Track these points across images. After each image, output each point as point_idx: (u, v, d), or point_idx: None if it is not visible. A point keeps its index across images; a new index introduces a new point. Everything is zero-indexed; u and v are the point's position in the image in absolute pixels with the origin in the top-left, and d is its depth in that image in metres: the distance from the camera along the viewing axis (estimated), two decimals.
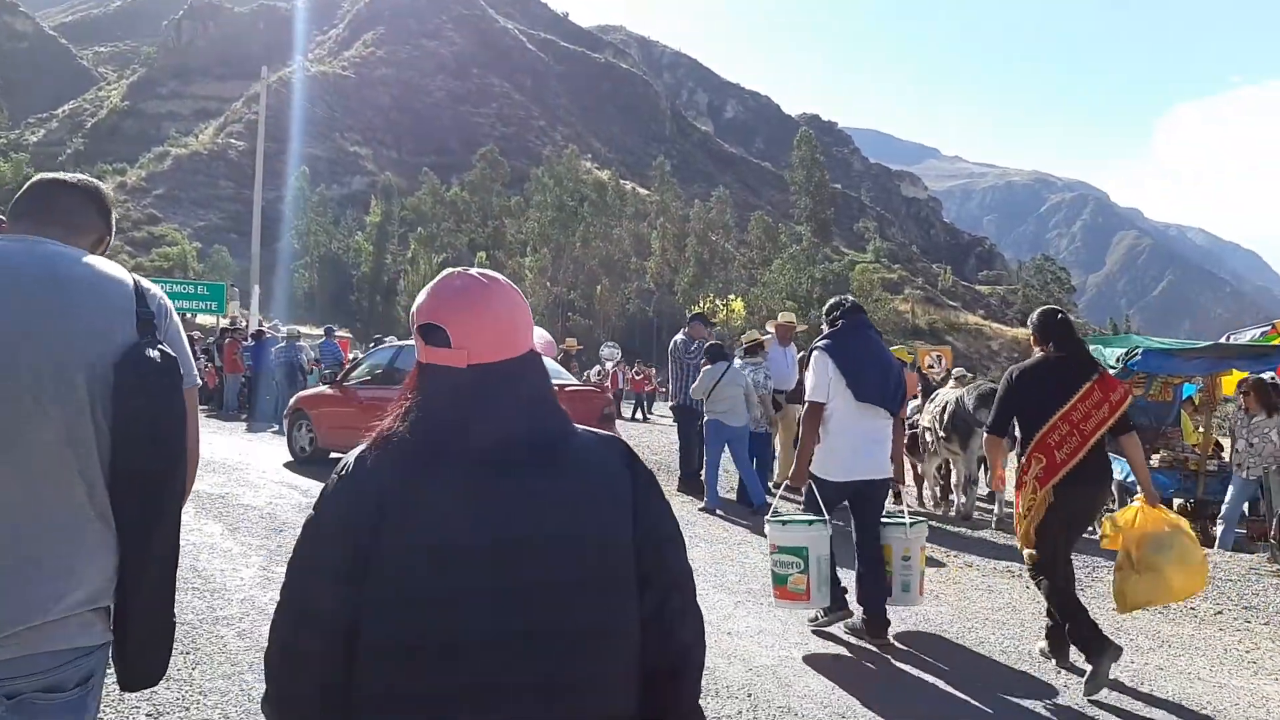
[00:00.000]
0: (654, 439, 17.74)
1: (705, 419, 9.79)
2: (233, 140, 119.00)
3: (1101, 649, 4.47)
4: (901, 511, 5.67)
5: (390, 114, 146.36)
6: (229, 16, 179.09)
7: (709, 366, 9.66)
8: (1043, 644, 5.08)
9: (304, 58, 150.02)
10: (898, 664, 4.92)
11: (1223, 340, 11.78)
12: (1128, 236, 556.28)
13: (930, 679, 4.69)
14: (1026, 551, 4.86)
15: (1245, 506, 10.21)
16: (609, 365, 24.57)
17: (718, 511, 9.42)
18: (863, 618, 5.25)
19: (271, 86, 44.89)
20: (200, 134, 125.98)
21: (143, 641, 1.81)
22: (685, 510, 9.35)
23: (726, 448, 9.80)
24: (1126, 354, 9.71)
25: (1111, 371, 9.89)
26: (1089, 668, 4.48)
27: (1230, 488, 9.00)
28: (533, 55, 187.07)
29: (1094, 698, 4.41)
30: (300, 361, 18.02)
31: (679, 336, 10.91)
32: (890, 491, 6.01)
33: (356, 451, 1.45)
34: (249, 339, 19.92)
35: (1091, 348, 10.41)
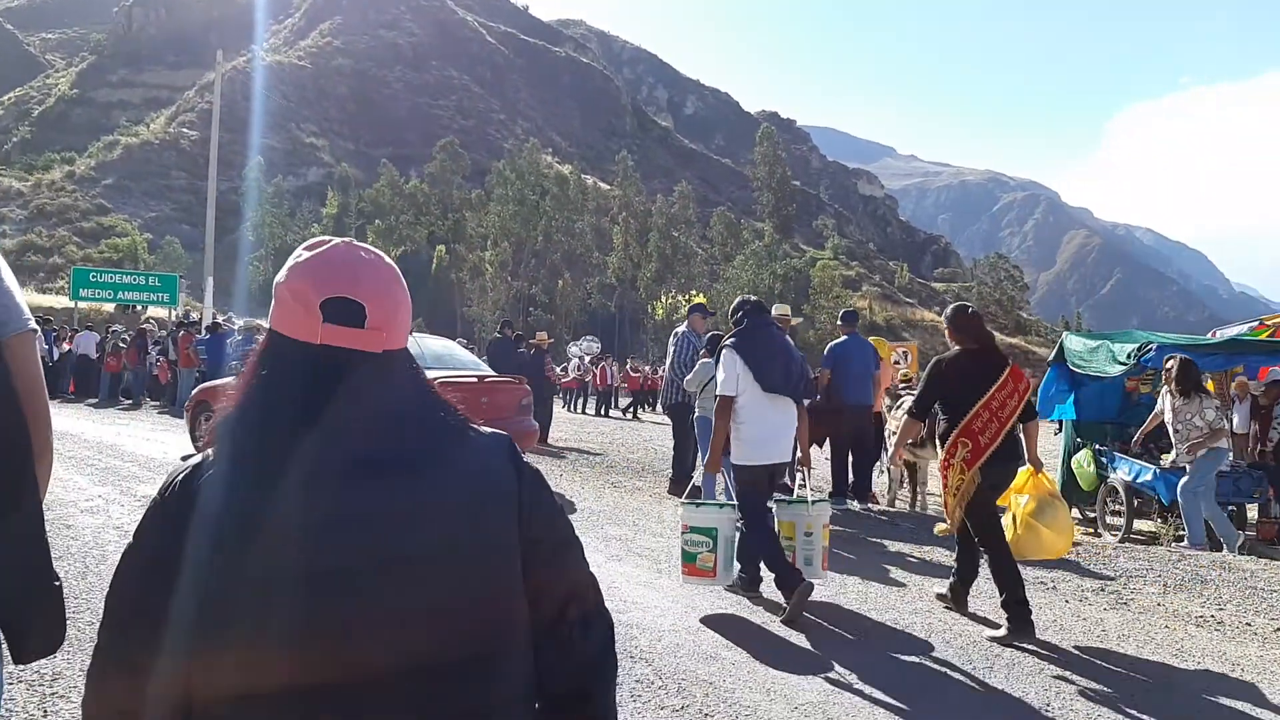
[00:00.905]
0: (627, 436, 17.18)
1: (695, 414, 9.00)
2: (185, 130, 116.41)
3: (1022, 619, 5.13)
4: (804, 491, 6.02)
5: (347, 105, 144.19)
6: (182, 3, 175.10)
7: (707, 359, 8.76)
8: (943, 590, 5.79)
9: (260, 46, 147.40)
10: (956, 676, 4.38)
11: (1209, 337, 11.54)
12: (1078, 235, 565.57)
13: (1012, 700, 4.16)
14: (940, 526, 5.63)
15: (1256, 508, 9.96)
16: (586, 360, 23.94)
17: None
18: (740, 574, 5.83)
19: (226, 75, 43.76)
20: (151, 123, 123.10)
21: (17, 609, 1.57)
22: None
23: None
24: (1140, 349, 9.32)
25: (1121, 368, 9.64)
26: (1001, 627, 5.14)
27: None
28: (492, 48, 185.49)
29: None
30: None
31: (680, 329, 10.00)
32: (797, 472, 6.48)
33: (190, 462, 1.19)
34: (204, 332, 19.10)
35: (1099, 343, 10.17)
